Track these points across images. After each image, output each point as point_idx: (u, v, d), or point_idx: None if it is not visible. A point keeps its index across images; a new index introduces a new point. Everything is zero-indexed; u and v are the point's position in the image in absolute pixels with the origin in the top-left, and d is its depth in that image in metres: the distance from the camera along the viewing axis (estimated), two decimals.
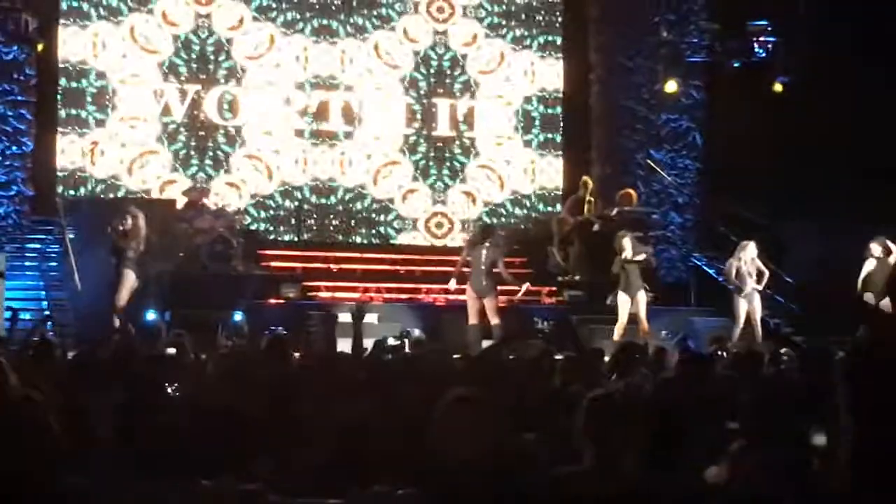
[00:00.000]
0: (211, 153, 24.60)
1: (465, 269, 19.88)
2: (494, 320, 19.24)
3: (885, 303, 20.31)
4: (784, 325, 22.77)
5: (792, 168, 23.47)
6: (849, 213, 23.13)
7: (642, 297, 20.06)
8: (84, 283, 19.80)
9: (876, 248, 20.46)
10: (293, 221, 24.64)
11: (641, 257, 20.37)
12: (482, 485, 4.70)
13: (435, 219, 25.89)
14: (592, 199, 23.43)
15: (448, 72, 26.20)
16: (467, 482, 4.71)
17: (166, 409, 7.63)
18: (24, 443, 4.66)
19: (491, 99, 26.38)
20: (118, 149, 24.05)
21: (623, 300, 19.98)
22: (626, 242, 20.31)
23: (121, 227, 19.02)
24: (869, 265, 20.46)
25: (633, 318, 19.90)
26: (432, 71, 26.11)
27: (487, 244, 19.75)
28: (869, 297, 20.41)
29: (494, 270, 19.53)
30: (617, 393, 6.93)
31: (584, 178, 24.09)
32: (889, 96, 23.13)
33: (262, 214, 24.78)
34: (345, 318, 19.22)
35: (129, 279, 18.85)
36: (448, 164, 26.06)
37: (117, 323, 18.26)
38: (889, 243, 20.44)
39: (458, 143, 26.16)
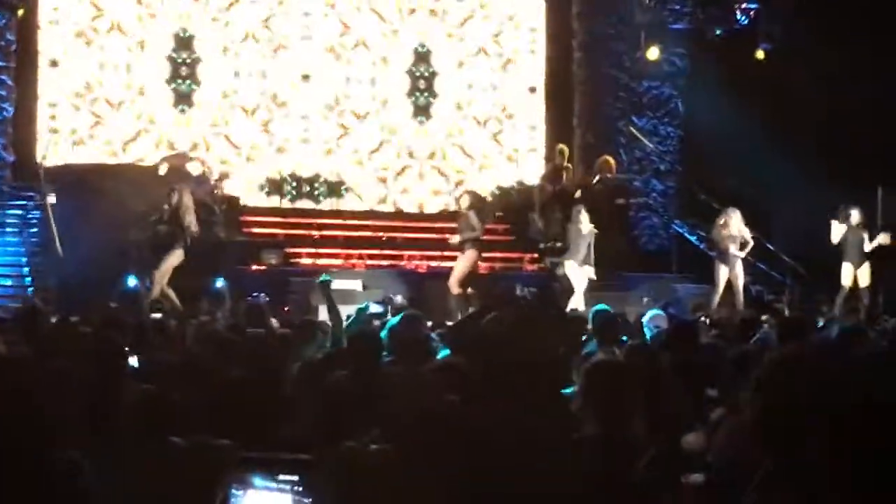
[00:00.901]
0: (193, 116, 24.51)
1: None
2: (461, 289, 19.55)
3: (862, 272, 20.47)
4: (767, 293, 22.84)
5: (774, 136, 23.47)
6: (831, 182, 23.17)
7: (588, 271, 20.03)
8: (66, 249, 19.76)
9: (855, 217, 20.57)
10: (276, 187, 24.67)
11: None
12: (452, 444, 4.72)
13: (417, 184, 25.89)
14: (570, 165, 23.43)
15: (428, 43, 26.17)
16: (436, 441, 4.72)
17: (141, 376, 7.64)
18: (14, 414, 4.65)
19: (475, 64, 26.36)
20: (97, 114, 23.91)
21: (573, 267, 19.92)
22: (584, 216, 20.28)
23: (166, 206, 19.17)
24: (839, 229, 20.57)
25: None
26: (413, 41, 26.06)
27: (474, 210, 20.04)
28: (847, 267, 20.53)
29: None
30: (619, 358, 6.98)
31: (560, 145, 24.10)
32: (872, 62, 23.14)
33: (245, 180, 24.69)
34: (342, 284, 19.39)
35: (178, 255, 18.93)
36: (428, 128, 26.04)
37: (157, 292, 18.38)
38: (858, 213, 20.61)
39: (437, 106, 26.14)
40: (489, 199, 23.75)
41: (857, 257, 20.58)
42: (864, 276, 20.57)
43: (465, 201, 20.45)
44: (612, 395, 5.51)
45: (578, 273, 19.82)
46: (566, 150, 23.69)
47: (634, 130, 25.62)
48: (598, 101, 26.05)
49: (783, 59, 24.37)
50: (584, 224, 20.12)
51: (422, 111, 26.03)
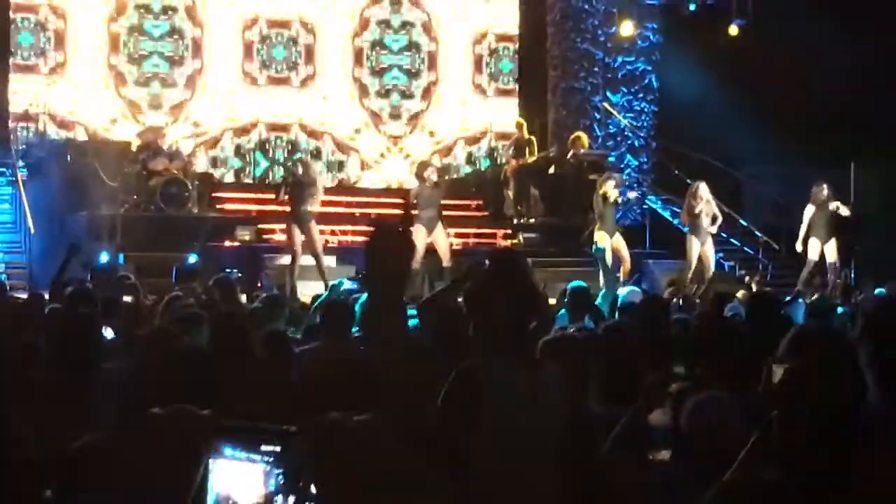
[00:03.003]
0: (167, 92, 24.41)
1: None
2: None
3: (829, 247, 20.55)
4: (739, 268, 22.92)
5: (747, 111, 23.52)
6: (805, 157, 23.26)
7: (620, 238, 20.02)
8: (38, 225, 19.69)
9: (820, 194, 20.63)
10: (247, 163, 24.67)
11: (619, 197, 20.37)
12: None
13: (390, 160, 25.88)
14: (532, 138, 23.51)
15: (402, 13, 26.10)
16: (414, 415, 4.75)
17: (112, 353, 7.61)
18: None
19: (447, 42, 26.30)
20: (70, 88, 23.76)
21: (604, 238, 19.82)
22: (611, 184, 20.21)
23: (291, 178, 19.22)
24: (810, 211, 20.65)
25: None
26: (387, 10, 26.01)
27: (435, 185, 19.98)
28: (814, 242, 20.60)
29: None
30: (570, 336, 6.98)
31: (518, 119, 24.26)
32: (844, 38, 23.17)
33: (217, 156, 24.66)
34: (306, 260, 19.34)
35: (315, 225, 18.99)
36: (404, 106, 26.01)
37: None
38: (828, 190, 20.67)
39: (412, 84, 26.11)
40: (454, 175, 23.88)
41: (824, 233, 20.64)
42: (831, 251, 20.65)
43: (434, 177, 20.31)
44: (567, 370, 5.51)
45: (609, 243, 19.72)
46: (523, 122, 23.85)
47: (608, 106, 25.64)
48: (571, 76, 26.03)
49: (756, 35, 24.40)
50: (611, 191, 19.99)
51: (391, 88, 26.01)
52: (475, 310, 5.05)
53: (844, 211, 20.70)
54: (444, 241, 19.77)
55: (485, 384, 4.79)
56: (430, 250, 19.69)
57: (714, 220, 20.40)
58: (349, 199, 23.98)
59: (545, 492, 4.77)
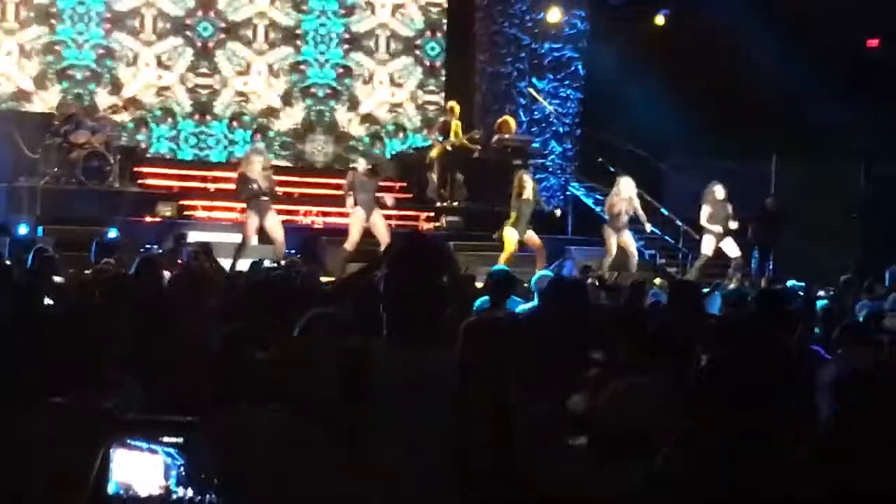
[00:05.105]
0: (88, 62, 24.15)
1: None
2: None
3: (727, 244, 20.76)
4: (660, 257, 23.06)
5: (673, 102, 23.62)
6: (728, 150, 23.43)
7: (533, 234, 20.02)
8: None
9: (720, 192, 20.80)
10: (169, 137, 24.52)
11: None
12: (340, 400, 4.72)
13: (314, 141, 25.79)
14: (459, 122, 23.46)
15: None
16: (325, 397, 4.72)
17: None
18: None
19: (373, 23, 26.22)
20: None
21: (512, 234, 19.79)
22: (528, 181, 20.17)
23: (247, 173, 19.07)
24: (706, 211, 20.82)
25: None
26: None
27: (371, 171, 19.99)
28: (709, 238, 20.79)
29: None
30: (494, 318, 6.99)
31: (450, 103, 24.19)
32: (770, 32, 23.34)
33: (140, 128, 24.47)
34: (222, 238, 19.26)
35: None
36: (328, 86, 25.90)
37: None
38: (723, 189, 20.86)
39: (338, 65, 26.00)
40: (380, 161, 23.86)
41: (720, 230, 20.82)
42: (731, 247, 20.86)
43: (362, 165, 20.30)
44: (486, 354, 5.51)
45: (515, 237, 19.67)
46: (457, 107, 23.74)
47: (534, 92, 25.67)
48: (498, 60, 26.04)
49: (682, 26, 24.54)
50: (529, 190, 19.95)
51: (319, 69, 25.90)
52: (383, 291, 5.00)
53: (733, 224, 20.88)
54: (383, 223, 19.77)
55: (367, 368, 4.75)
56: (367, 234, 19.70)
57: (636, 218, 20.56)
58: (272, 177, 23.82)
59: (435, 478, 4.74)
